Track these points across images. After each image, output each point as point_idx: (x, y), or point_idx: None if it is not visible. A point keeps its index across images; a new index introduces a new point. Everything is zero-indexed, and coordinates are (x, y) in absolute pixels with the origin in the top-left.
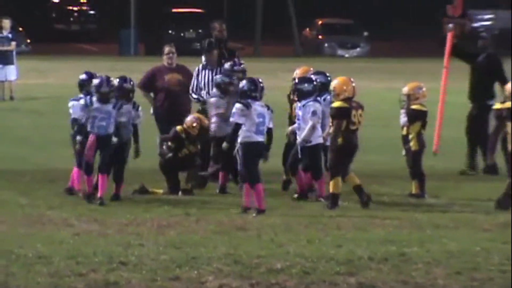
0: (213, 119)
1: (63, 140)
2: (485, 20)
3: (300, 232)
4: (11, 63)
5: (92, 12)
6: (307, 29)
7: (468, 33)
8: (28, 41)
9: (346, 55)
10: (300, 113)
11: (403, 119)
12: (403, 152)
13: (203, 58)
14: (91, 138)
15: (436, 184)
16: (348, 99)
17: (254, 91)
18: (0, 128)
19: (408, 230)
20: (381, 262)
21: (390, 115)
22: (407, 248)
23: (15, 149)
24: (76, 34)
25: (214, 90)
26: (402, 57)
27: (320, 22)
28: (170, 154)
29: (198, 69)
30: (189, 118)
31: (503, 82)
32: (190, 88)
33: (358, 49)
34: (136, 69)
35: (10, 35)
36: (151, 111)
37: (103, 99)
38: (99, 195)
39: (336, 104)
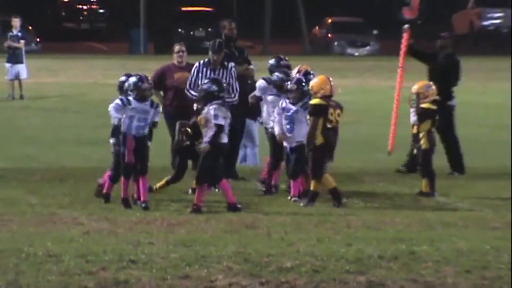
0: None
1: (73, 138)
2: (495, 18)
3: (310, 231)
4: (21, 61)
5: (101, 10)
6: (317, 27)
7: (478, 31)
8: (38, 39)
9: (356, 54)
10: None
11: (413, 117)
12: (414, 151)
13: (210, 55)
14: (129, 139)
15: (445, 183)
16: (326, 98)
17: (221, 91)
18: (11, 127)
19: (418, 229)
20: (390, 260)
21: (399, 113)
22: (416, 247)
23: (25, 148)
24: (86, 33)
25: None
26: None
27: (329, 21)
28: (187, 142)
29: (199, 66)
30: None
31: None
32: (188, 83)
33: (367, 47)
34: (146, 68)
35: (19, 34)
36: (160, 109)
37: (142, 98)
38: (143, 199)
39: (314, 101)
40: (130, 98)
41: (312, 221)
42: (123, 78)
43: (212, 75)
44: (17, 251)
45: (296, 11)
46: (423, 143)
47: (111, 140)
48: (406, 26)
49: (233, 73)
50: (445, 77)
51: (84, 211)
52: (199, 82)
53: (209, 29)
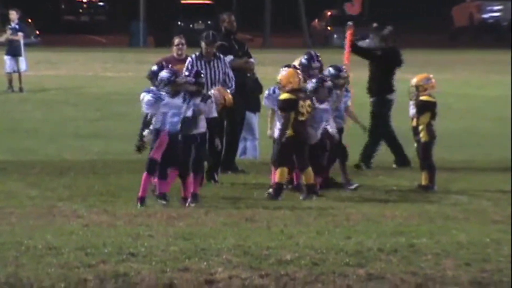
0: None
1: (73, 131)
2: (494, 11)
3: (310, 224)
4: (19, 54)
5: (101, 3)
6: (316, 20)
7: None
8: (38, 32)
9: None
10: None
11: (412, 110)
12: (415, 144)
13: (203, 47)
14: (163, 136)
15: (445, 176)
16: (295, 91)
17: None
18: (10, 120)
19: (418, 222)
20: (390, 253)
21: (399, 106)
22: (416, 240)
23: (25, 141)
24: (85, 25)
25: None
26: (411, 48)
27: (329, 14)
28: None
29: (192, 60)
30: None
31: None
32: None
33: (367, 40)
34: (146, 61)
35: (17, 26)
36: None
37: (175, 92)
38: (195, 191)
39: (283, 96)
40: (163, 92)
41: (312, 214)
42: (155, 68)
43: (206, 67)
44: (16, 244)
45: (296, 4)
46: (422, 136)
47: (146, 132)
48: (350, 23)
49: (227, 63)
50: (384, 71)
51: (84, 204)
52: None
53: (209, 22)
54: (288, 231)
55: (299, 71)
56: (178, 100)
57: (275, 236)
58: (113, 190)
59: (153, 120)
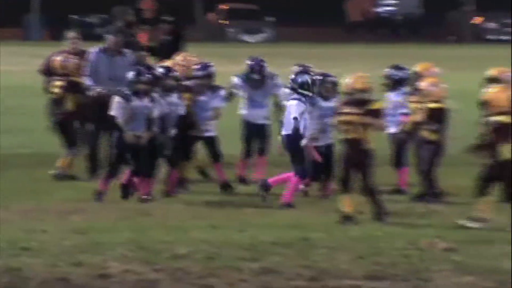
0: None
1: None
2: (388, 5)
3: (205, 218)
4: None
5: None
6: (211, 13)
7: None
8: None
9: (251, 40)
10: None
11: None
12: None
13: (107, 41)
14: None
15: None
16: None
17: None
18: None
19: (313, 215)
20: (284, 247)
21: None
22: (311, 233)
23: None
24: None
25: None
26: (308, 42)
27: (224, 7)
28: None
29: (95, 53)
30: None
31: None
32: (85, 71)
33: (263, 34)
34: (40, 55)
35: None
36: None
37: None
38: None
39: None
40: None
41: (207, 209)
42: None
43: (110, 61)
44: None
45: None
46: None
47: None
48: (145, 26)
49: (131, 60)
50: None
51: None
52: (101, 70)
53: (103, 15)
54: (183, 226)
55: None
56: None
57: (171, 230)
58: (6, 185)
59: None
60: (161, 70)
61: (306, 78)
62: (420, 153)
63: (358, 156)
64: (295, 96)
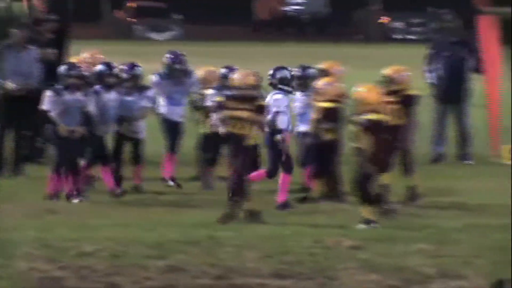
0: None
1: None
2: (296, 4)
3: (112, 216)
4: None
5: None
6: (119, 11)
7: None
8: None
9: (158, 38)
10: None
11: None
12: None
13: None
14: None
15: None
16: None
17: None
18: None
19: (220, 214)
20: (191, 245)
21: None
22: (218, 232)
23: None
24: None
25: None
26: (216, 40)
27: (132, 5)
28: None
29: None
30: None
31: None
32: None
33: (170, 32)
34: None
35: None
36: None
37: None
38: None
39: None
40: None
41: (114, 207)
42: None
43: (16, 57)
44: None
45: None
46: None
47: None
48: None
49: (36, 55)
50: None
51: None
52: (7, 65)
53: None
54: (90, 223)
55: None
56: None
57: (76, 228)
58: None
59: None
60: (64, 67)
61: (286, 73)
62: (316, 152)
63: (241, 152)
64: (277, 91)
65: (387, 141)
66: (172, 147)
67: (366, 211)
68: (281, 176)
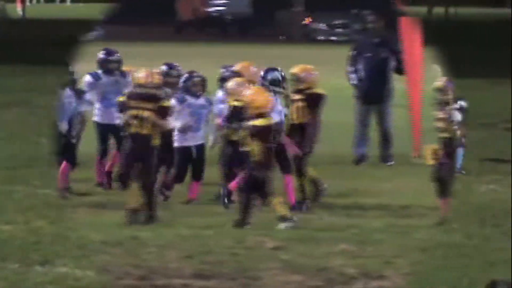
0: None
1: None
2: (219, 5)
3: (35, 217)
4: None
5: None
6: None
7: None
8: None
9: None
10: None
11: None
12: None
13: None
14: None
15: None
16: None
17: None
18: None
19: (142, 214)
20: (114, 246)
21: None
22: (140, 232)
23: None
24: None
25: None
26: (137, 41)
27: None
28: None
29: None
30: None
31: None
32: None
33: (91, 32)
34: None
35: None
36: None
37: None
38: None
39: None
40: None
41: (36, 207)
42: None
43: None
44: None
45: None
46: None
47: None
48: None
49: None
50: None
51: None
52: None
53: None
54: None
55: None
56: None
57: None
58: None
59: None
60: None
61: (277, 74)
62: (222, 151)
63: (144, 152)
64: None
65: (274, 145)
66: (105, 152)
67: (279, 208)
68: (284, 179)
